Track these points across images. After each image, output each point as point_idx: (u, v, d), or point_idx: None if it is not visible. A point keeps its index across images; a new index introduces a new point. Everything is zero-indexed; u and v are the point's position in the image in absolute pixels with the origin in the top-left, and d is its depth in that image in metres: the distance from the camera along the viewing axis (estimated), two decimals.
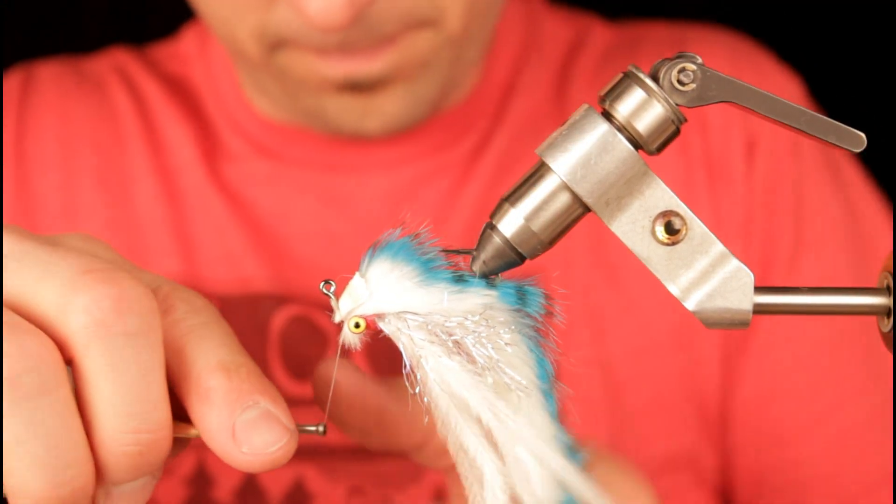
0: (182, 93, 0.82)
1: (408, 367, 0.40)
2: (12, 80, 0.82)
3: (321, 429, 0.42)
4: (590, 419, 0.74)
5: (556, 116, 0.78)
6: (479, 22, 0.68)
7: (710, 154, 0.78)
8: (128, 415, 0.37)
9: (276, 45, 0.66)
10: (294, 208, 0.77)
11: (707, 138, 0.78)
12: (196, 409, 0.39)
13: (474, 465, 0.40)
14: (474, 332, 0.39)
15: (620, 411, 0.75)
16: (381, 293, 0.40)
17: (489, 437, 0.40)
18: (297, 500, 0.74)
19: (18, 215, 0.77)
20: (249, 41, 0.66)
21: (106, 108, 0.80)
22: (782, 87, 0.81)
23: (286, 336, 0.76)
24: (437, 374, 0.40)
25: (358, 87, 0.66)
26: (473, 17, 0.66)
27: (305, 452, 0.74)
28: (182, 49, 0.84)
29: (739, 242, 0.77)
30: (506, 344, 0.40)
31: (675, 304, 0.77)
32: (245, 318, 0.75)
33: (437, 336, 0.40)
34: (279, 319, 0.75)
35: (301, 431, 0.41)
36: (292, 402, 0.79)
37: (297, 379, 0.76)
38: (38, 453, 0.36)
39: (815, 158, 0.80)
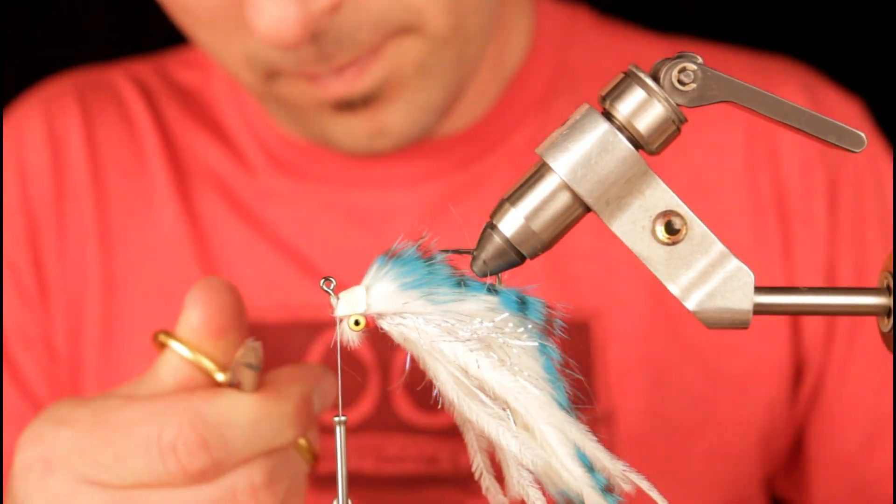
0: (197, 105, 0.79)
1: (411, 363, 0.40)
2: (33, 104, 0.79)
3: None
4: (645, 468, 0.74)
5: None
6: (471, 19, 0.64)
7: (784, 194, 0.75)
8: None
9: (269, 74, 0.63)
10: (317, 226, 0.75)
11: (779, 177, 0.75)
12: None
13: (500, 445, 0.40)
14: (477, 331, 0.39)
15: (678, 460, 0.73)
16: (382, 295, 0.40)
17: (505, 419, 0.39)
18: None
19: (54, 240, 0.76)
20: (240, 69, 0.64)
21: (126, 126, 0.78)
22: (841, 109, 0.78)
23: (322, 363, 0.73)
24: (454, 357, 0.39)
25: (353, 105, 0.64)
26: (461, 16, 0.63)
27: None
28: (198, 56, 0.80)
29: (821, 283, 0.74)
30: (517, 344, 0.39)
31: (738, 351, 0.74)
32: (277, 344, 0.72)
33: (439, 327, 0.40)
34: (318, 346, 0.73)
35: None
36: (327, 431, 0.77)
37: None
38: None
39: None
